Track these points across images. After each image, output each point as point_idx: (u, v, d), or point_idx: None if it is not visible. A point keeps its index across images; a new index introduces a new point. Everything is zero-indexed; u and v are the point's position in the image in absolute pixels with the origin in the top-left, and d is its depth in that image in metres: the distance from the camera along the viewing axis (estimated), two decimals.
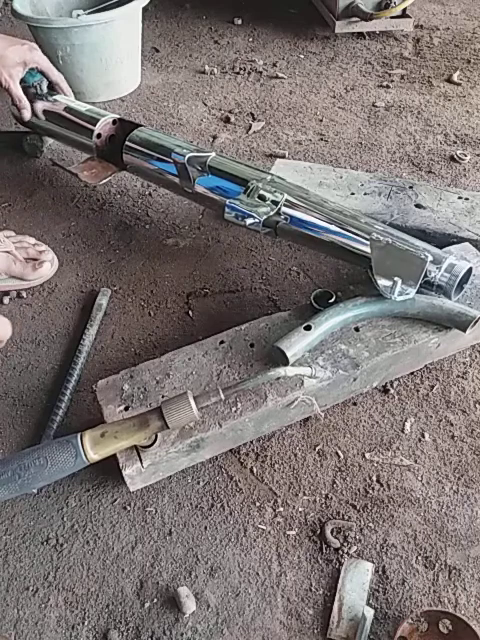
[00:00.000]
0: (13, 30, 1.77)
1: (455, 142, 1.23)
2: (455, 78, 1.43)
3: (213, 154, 0.90)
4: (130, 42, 1.38)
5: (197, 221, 1.07)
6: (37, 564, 0.65)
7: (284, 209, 0.82)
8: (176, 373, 0.73)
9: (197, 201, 0.96)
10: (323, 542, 0.65)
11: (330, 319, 0.73)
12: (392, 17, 1.56)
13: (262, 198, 0.82)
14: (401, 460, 0.72)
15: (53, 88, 1.10)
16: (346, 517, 0.67)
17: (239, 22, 1.73)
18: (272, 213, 0.81)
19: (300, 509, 0.68)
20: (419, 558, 0.64)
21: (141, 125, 1.00)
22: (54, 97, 1.09)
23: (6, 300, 0.93)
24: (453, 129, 1.27)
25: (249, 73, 1.50)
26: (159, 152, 0.94)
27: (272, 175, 0.86)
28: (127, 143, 0.98)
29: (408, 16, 1.59)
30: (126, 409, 0.70)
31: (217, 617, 0.61)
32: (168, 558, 0.65)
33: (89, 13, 1.26)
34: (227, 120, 1.32)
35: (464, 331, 0.73)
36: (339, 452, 0.73)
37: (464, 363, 0.82)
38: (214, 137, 1.27)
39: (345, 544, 0.65)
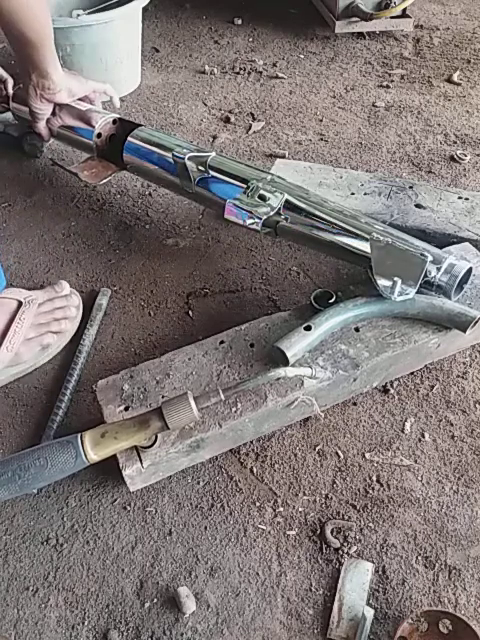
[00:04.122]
0: None
1: (455, 142, 1.23)
2: (455, 78, 1.43)
3: (213, 154, 0.90)
4: (130, 42, 1.38)
5: (197, 221, 1.07)
6: (37, 564, 0.65)
7: (284, 209, 0.82)
8: (176, 373, 0.73)
9: (197, 201, 0.96)
10: (323, 542, 0.65)
11: (330, 319, 0.73)
12: (392, 17, 1.56)
13: (262, 198, 0.82)
14: (401, 460, 0.72)
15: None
16: (346, 517, 0.67)
17: (239, 22, 1.72)
18: (272, 213, 0.81)
19: (300, 509, 0.68)
20: (419, 558, 0.64)
21: (141, 125, 1.00)
22: None
23: None
24: (453, 129, 1.27)
25: (249, 73, 1.50)
26: (159, 152, 0.94)
27: (272, 175, 0.86)
28: (127, 143, 0.98)
29: (408, 16, 1.58)
30: (126, 409, 0.69)
31: (217, 617, 0.61)
32: (168, 558, 0.65)
33: (89, 13, 1.26)
34: (227, 120, 1.32)
35: (464, 331, 0.73)
36: (339, 452, 0.73)
37: (464, 363, 0.82)
38: (214, 137, 1.27)
39: (345, 544, 0.65)
